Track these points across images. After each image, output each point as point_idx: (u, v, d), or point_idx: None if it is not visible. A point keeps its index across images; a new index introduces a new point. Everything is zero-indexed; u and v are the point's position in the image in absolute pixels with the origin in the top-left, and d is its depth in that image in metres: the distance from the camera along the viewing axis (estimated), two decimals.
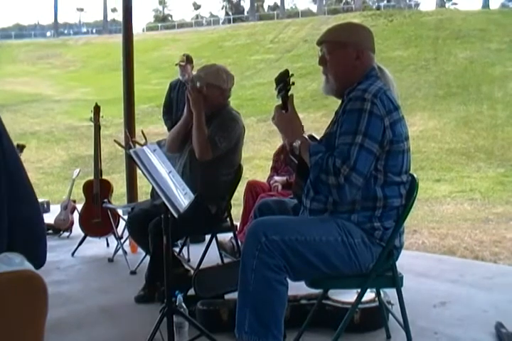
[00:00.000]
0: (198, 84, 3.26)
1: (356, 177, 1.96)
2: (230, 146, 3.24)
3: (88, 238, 4.57)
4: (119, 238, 4.33)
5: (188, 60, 5.61)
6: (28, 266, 0.92)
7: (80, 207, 4.84)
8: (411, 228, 5.20)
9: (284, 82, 2.11)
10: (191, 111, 3.24)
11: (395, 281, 2.18)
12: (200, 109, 3.20)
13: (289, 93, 2.14)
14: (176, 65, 5.67)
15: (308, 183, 2.14)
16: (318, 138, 2.31)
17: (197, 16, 70.42)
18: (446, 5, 49.47)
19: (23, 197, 1.10)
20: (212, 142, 3.15)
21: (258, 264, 1.94)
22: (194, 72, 5.04)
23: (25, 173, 1.13)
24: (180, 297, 2.52)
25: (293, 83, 2.12)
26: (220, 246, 3.78)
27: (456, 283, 3.46)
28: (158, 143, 3.12)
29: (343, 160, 1.95)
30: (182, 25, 55.72)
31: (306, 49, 25.26)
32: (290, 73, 2.11)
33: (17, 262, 0.91)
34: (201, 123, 3.18)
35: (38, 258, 1.10)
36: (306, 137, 2.17)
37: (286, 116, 2.16)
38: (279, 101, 2.17)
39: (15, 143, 1.24)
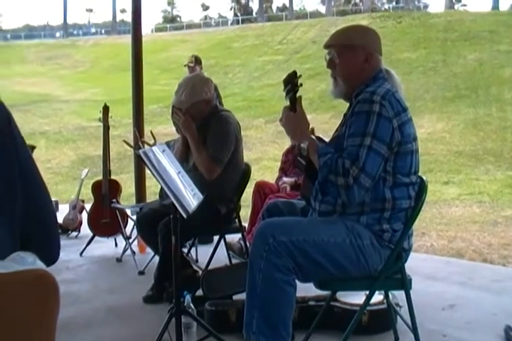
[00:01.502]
0: (183, 108, 3.25)
1: (365, 179, 1.96)
2: (231, 152, 3.25)
3: (96, 238, 4.59)
4: (127, 238, 4.34)
5: (197, 61, 5.61)
6: (41, 265, 0.93)
7: (88, 206, 4.86)
8: (419, 230, 5.18)
9: (291, 83, 2.11)
10: (184, 135, 3.25)
11: (404, 283, 2.17)
12: (192, 131, 3.20)
13: (297, 94, 2.14)
14: (185, 66, 5.67)
15: (316, 185, 2.14)
16: (326, 139, 2.32)
17: (205, 17, 70.68)
18: (456, 6, 49.49)
19: (37, 196, 1.11)
20: (216, 160, 3.16)
21: (266, 265, 1.94)
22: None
23: (38, 172, 1.13)
24: (188, 297, 2.53)
25: (301, 84, 2.11)
26: (229, 247, 3.78)
27: (465, 285, 3.45)
28: (167, 144, 3.13)
29: (352, 161, 1.96)
30: (190, 26, 55.83)
31: (314, 50, 25.22)
32: (298, 74, 2.11)
33: (29, 261, 0.91)
34: (198, 146, 3.18)
35: (51, 256, 1.11)
36: (314, 138, 2.17)
37: (294, 117, 2.15)
38: (288, 103, 2.17)
39: None
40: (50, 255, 1.11)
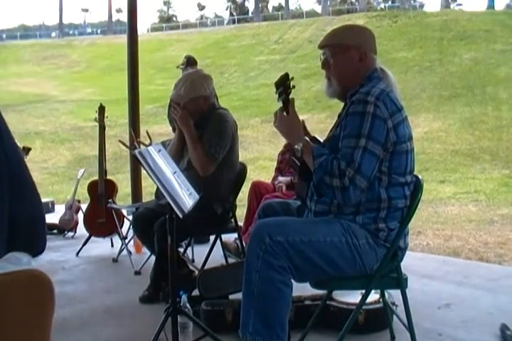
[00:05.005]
0: (181, 103, 3.25)
1: (360, 180, 1.96)
2: (227, 150, 3.25)
3: (93, 238, 4.58)
4: (123, 238, 4.34)
5: (190, 62, 5.55)
6: (35, 265, 0.93)
7: (84, 207, 4.86)
8: (415, 229, 5.19)
9: (284, 85, 2.11)
10: (181, 130, 3.24)
11: (400, 282, 2.17)
12: (189, 126, 3.20)
13: (290, 96, 2.13)
14: (177, 67, 5.66)
15: (311, 187, 2.14)
16: (320, 140, 2.31)
17: (201, 17, 70.59)
18: (451, 6, 49.39)
19: (25, 196, 1.11)
20: (211, 156, 3.15)
21: (262, 265, 1.94)
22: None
23: (28, 172, 1.13)
24: (184, 297, 2.52)
25: (293, 86, 2.11)
26: (225, 246, 3.79)
27: (461, 284, 3.45)
28: (163, 144, 3.13)
29: (348, 162, 1.96)
30: (186, 25, 55.78)
31: (310, 50, 25.21)
32: (290, 76, 2.10)
33: (24, 262, 0.92)
34: (195, 141, 3.18)
35: (35, 248, 1.11)
36: (308, 140, 2.17)
37: (287, 119, 2.15)
38: (280, 105, 2.16)
39: (20, 145, 1.25)
40: (35, 246, 1.10)
